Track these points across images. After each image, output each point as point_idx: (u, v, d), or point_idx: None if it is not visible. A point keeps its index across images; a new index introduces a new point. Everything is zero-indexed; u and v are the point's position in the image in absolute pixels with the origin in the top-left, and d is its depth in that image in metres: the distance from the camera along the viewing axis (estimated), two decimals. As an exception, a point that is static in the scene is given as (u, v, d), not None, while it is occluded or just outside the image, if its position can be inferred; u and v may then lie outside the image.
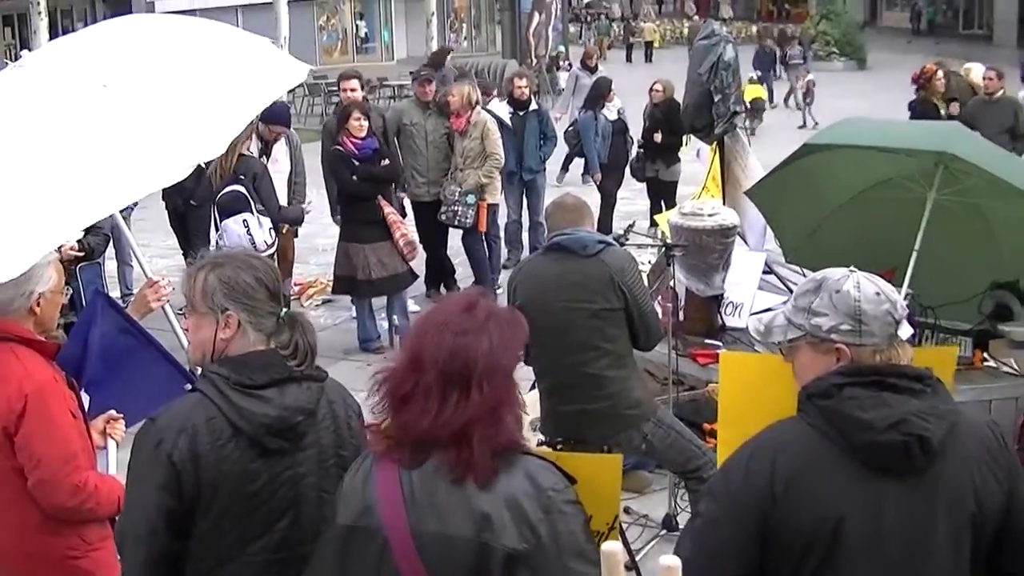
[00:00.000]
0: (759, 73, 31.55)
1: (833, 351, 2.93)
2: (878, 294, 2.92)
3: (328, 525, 3.04)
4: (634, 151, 14.77)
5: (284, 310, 3.42)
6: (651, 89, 14.63)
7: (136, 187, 4.32)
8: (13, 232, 3.85)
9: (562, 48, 37.18)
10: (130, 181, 4.19)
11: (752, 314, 8.91)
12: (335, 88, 27.21)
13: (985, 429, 2.96)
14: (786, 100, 33.03)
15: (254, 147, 10.40)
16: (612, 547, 2.55)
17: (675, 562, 2.45)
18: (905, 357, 2.93)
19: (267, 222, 9.60)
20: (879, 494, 2.79)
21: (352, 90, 11.47)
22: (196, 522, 3.28)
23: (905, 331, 2.94)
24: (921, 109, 14.08)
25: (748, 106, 28.32)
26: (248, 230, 9.36)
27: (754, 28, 49.03)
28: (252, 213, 9.46)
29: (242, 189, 9.50)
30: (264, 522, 3.31)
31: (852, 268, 3.02)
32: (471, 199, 11.61)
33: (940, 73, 14.53)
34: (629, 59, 50.39)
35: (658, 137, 13.99)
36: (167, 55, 4.73)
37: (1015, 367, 7.90)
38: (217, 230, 9.54)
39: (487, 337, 2.86)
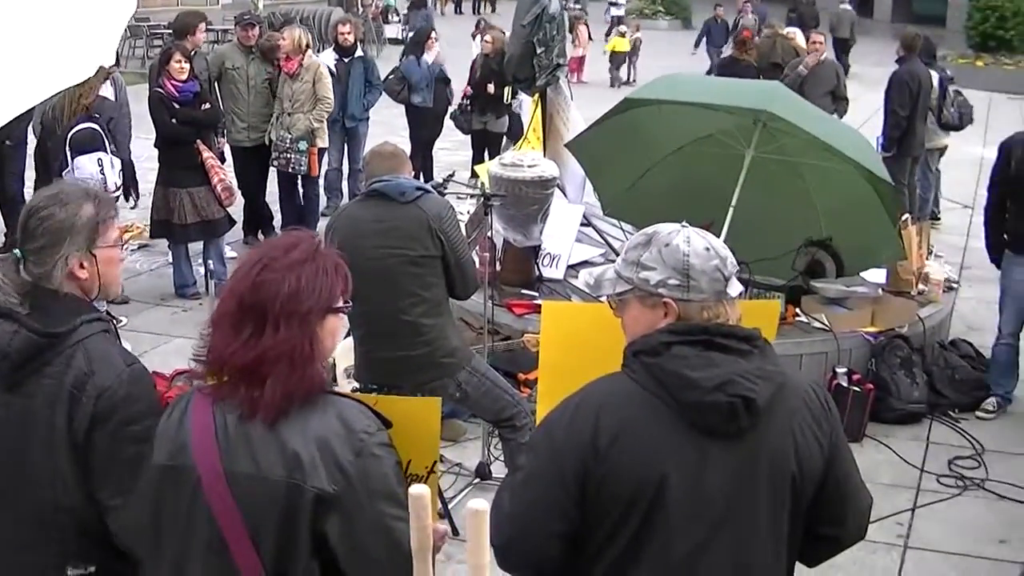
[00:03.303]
0: (717, 49, 27.64)
1: (661, 305, 2.88)
2: (708, 249, 2.88)
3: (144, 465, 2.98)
4: (456, 101, 14.71)
5: (15, 251, 3.32)
6: (482, 40, 14.59)
7: None
8: None
9: (391, 1, 36.80)
10: None
11: (570, 266, 9.07)
12: (157, 31, 26.84)
13: (810, 391, 2.96)
14: None
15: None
16: (419, 490, 2.52)
17: (483, 506, 2.41)
18: (734, 315, 2.91)
19: (119, 164, 9.44)
20: (703, 454, 2.78)
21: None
22: None
23: (734, 288, 2.92)
24: (731, 72, 13.90)
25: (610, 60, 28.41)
26: (101, 169, 9.19)
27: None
28: (107, 152, 9.30)
29: (98, 127, 9.31)
30: None
31: (684, 223, 2.98)
32: (303, 145, 11.62)
33: (756, 40, 14.69)
34: (459, 10, 50.43)
35: (491, 88, 13.96)
36: None
37: (825, 323, 8.15)
38: (66, 166, 9.23)
39: (294, 278, 2.81)
